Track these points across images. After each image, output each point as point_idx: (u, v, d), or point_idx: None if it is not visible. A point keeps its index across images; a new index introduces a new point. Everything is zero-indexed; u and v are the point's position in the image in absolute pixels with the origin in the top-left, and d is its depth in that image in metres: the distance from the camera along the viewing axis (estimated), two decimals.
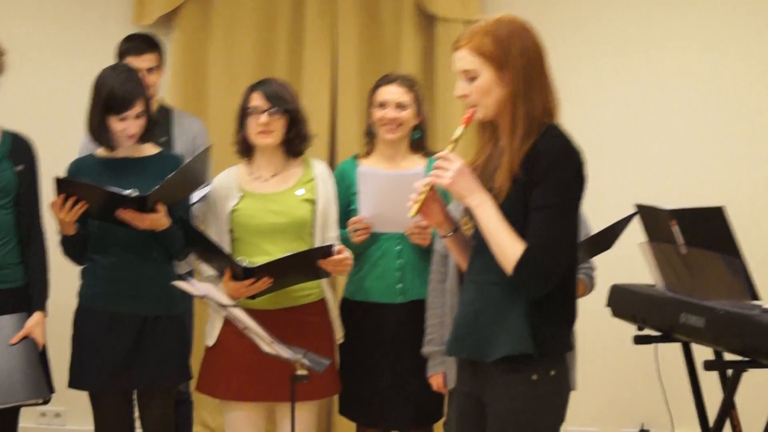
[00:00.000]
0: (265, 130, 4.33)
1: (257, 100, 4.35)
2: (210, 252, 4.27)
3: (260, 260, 4.20)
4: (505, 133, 3.10)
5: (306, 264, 4.21)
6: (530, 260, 2.99)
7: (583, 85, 5.80)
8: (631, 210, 4.55)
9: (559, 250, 3.02)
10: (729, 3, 5.84)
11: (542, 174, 3.01)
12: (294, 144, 4.41)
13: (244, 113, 4.40)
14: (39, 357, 4.31)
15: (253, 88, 4.41)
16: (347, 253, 4.24)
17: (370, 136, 4.66)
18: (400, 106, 4.53)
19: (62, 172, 4.35)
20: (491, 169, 3.13)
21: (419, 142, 4.63)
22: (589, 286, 4.47)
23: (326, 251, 4.17)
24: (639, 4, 5.92)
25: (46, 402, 4.41)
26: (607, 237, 4.39)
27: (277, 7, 6.13)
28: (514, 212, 3.04)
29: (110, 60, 5.05)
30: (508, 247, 3.02)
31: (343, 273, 4.40)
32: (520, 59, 3.07)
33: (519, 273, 3.00)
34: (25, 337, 4.26)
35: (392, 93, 4.55)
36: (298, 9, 6.10)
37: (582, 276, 4.34)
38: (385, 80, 4.63)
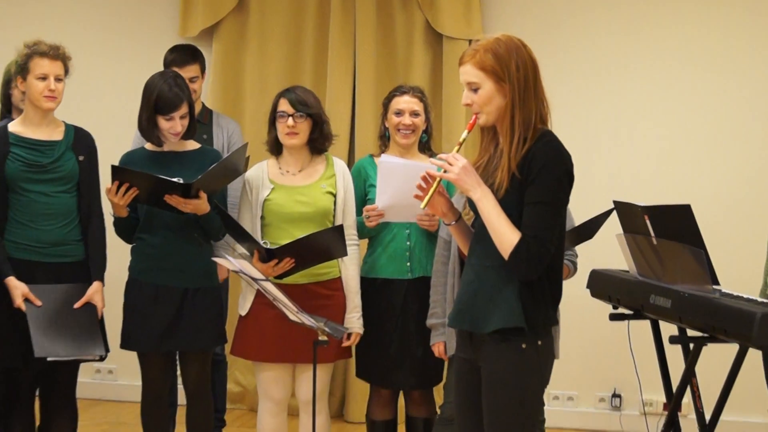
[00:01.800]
0: (291, 132, 4.35)
1: (285, 106, 4.36)
2: (240, 235, 4.28)
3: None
4: (504, 137, 3.10)
5: (319, 243, 4.20)
6: (523, 248, 3.01)
7: (571, 95, 5.79)
8: (610, 206, 4.57)
9: (548, 240, 3.03)
10: (689, 35, 5.87)
11: (536, 174, 3.03)
12: (317, 143, 4.42)
13: (274, 116, 4.41)
14: (98, 320, 4.34)
15: (281, 95, 4.42)
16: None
17: (384, 138, 4.66)
18: (414, 113, 4.53)
19: (117, 162, 4.37)
20: (492, 168, 3.14)
21: (426, 144, 4.64)
22: (573, 271, 4.48)
23: (337, 231, 4.18)
24: (619, 32, 5.93)
25: (102, 359, 4.43)
26: (589, 228, 4.39)
27: (304, 24, 6.13)
28: (510, 206, 3.05)
29: (159, 66, 5.07)
30: (505, 236, 3.03)
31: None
32: (516, 73, 3.07)
33: (513, 258, 3.02)
34: (86, 303, 4.28)
35: (408, 102, 4.54)
36: (322, 26, 6.11)
37: (566, 262, 4.33)
38: (400, 91, 4.62)
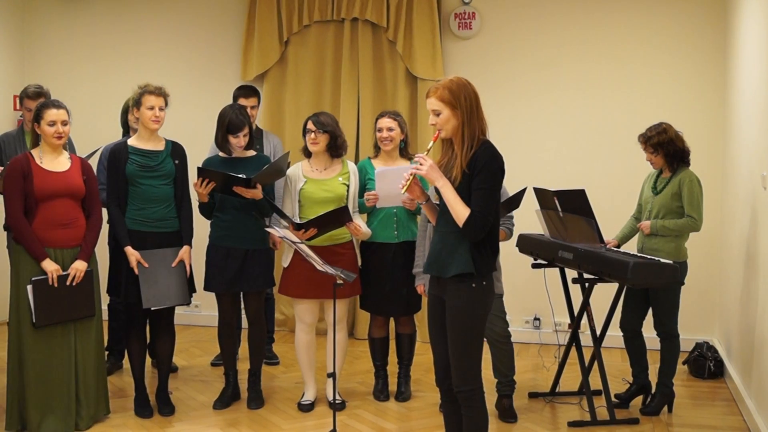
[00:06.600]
0: (314, 142, 4.34)
1: (310, 125, 4.36)
2: (280, 214, 4.29)
3: None
4: (457, 145, 3.12)
5: (331, 218, 4.18)
6: (472, 220, 3.03)
7: (503, 115, 5.78)
8: (530, 187, 4.50)
9: (489, 213, 3.05)
10: (579, 73, 5.84)
11: (479, 170, 3.04)
12: (333, 150, 4.40)
13: (304, 131, 4.41)
14: (186, 277, 4.30)
15: (309, 118, 4.40)
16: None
17: (376, 147, 4.63)
18: (389, 129, 4.49)
19: (201, 165, 4.36)
20: (449, 166, 3.15)
21: (405, 150, 4.59)
22: (509, 235, 4.40)
23: (343, 211, 4.15)
24: (534, 69, 5.88)
25: (188, 305, 4.44)
26: (514, 202, 4.27)
27: (324, 70, 6.08)
28: (463, 191, 3.07)
29: (228, 99, 5.06)
30: (460, 212, 3.05)
31: (357, 236, 4.38)
32: (465, 102, 3.08)
33: (466, 227, 3.04)
34: (179, 262, 4.28)
35: (384, 122, 4.51)
36: (336, 71, 6.06)
37: (506, 229, 4.31)
38: (380, 114, 4.59)
